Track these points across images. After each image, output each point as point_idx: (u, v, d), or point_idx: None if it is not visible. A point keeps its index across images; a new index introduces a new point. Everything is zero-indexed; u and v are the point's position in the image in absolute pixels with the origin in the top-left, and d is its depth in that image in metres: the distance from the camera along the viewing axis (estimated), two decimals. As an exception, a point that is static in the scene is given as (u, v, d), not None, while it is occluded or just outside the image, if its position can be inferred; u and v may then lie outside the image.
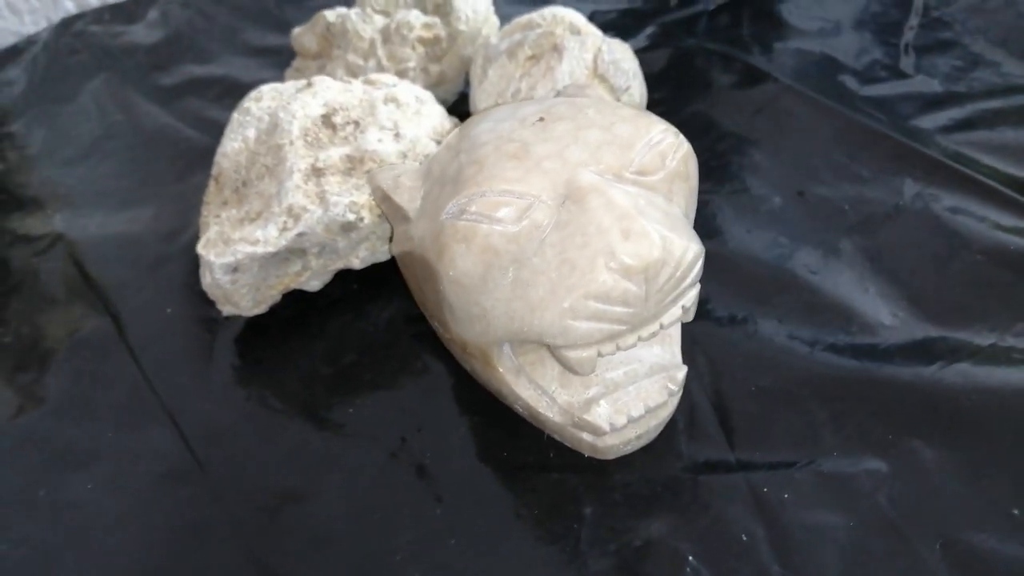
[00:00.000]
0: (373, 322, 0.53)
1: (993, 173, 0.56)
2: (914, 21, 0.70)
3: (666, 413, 0.43)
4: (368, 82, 0.53)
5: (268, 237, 0.47)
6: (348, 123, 0.50)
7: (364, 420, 0.48)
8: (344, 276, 0.54)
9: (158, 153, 0.69)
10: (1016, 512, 0.40)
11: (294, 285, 0.51)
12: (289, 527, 0.44)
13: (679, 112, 0.64)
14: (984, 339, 0.47)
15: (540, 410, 0.43)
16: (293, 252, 0.48)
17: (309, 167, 0.48)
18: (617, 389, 0.42)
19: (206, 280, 0.49)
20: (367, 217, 0.48)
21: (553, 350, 0.38)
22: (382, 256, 0.52)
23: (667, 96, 0.65)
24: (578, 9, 0.62)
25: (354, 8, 0.63)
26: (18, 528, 0.45)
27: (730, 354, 0.48)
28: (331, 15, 0.61)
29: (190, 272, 0.55)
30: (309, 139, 0.48)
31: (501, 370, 0.42)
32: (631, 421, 0.42)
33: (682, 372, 0.43)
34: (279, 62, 0.74)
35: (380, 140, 0.49)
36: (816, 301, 0.50)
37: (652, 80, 0.65)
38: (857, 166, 0.58)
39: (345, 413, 0.48)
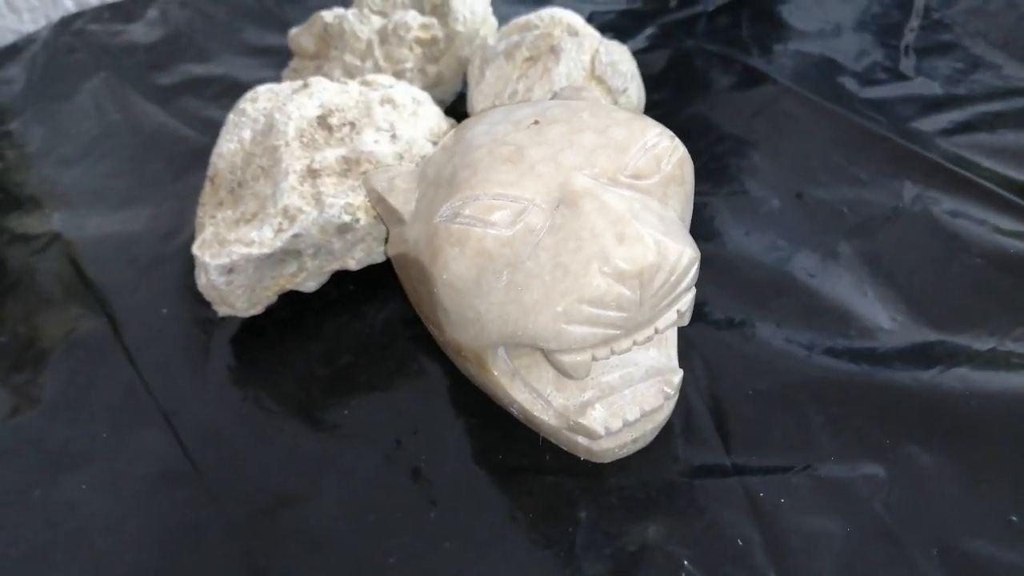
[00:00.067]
0: (369, 323, 0.53)
1: (993, 176, 0.55)
2: (915, 23, 0.69)
3: (662, 417, 0.43)
4: (365, 83, 0.52)
5: (263, 238, 0.47)
6: (344, 124, 0.49)
7: (359, 422, 0.48)
8: (340, 277, 0.53)
9: (156, 153, 0.69)
10: (1015, 519, 0.40)
11: (290, 286, 0.51)
12: (284, 529, 0.43)
13: (678, 113, 0.64)
14: (983, 343, 0.47)
15: (535, 413, 0.42)
16: (289, 253, 0.48)
17: (305, 168, 0.48)
18: (612, 393, 0.42)
19: (201, 281, 0.49)
20: (363, 219, 0.48)
21: (547, 354, 0.38)
22: (378, 258, 0.51)
23: (666, 97, 0.65)
24: (577, 10, 0.62)
25: (351, 9, 0.63)
26: (12, 528, 0.45)
27: (727, 357, 0.48)
28: (328, 16, 0.61)
29: (186, 272, 0.55)
30: (305, 140, 0.48)
31: (496, 373, 0.42)
32: (626, 425, 0.41)
33: (678, 376, 0.43)
34: (278, 62, 0.74)
35: (376, 141, 0.49)
36: (814, 304, 0.50)
37: (651, 81, 0.65)
38: (856, 168, 0.58)
39: (340, 415, 0.48)
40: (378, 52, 0.59)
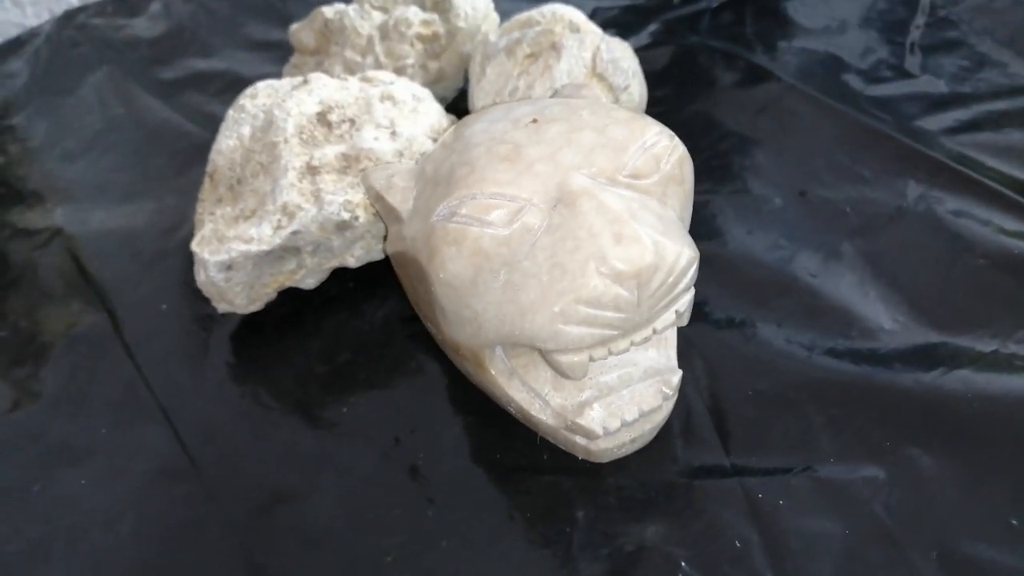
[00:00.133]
0: (368, 321, 0.53)
1: (998, 176, 0.55)
2: (920, 20, 0.69)
3: (661, 417, 0.43)
4: (365, 79, 0.52)
5: (262, 235, 0.47)
6: (344, 121, 0.49)
7: (358, 419, 0.48)
8: (340, 274, 0.53)
9: (159, 147, 0.69)
10: (1015, 522, 0.39)
11: (289, 283, 0.51)
12: (281, 526, 0.43)
13: (681, 111, 0.64)
14: (986, 345, 0.46)
15: (533, 413, 0.42)
16: (287, 250, 0.48)
17: (304, 165, 0.47)
18: (611, 392, 0.42)
19: (200, 278, 0.48)
20: (362, 216, 0.48)
21: (544, 354, 0.38)
22: (377, 255, 0.51)
23: (669, 94, 0.65)
24: (580, 6, 0.62)
25: (352, 4, 0.63)
26: (11, 522, 0.45)
27: (727, 357, 0.48)
28: (329, 11, 0.60)
29: (187, 268, 0.55)
30: (304, 137, 0.48)
31: (493, 372, 0.42)
32: (624, 425, 0.41)
33: (677, 376, 0.42)
34: (281, 57, 0.73)
35: (376, 138, 0.49)
36: (816, 305, 0.50)
37: (654, 78, 0.65)
38: (860, 167, 0.57)
39: (339, 412, 0.48)
40: (379, 48, 0.59)
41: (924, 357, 0.46)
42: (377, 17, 0.60)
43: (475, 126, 0.41)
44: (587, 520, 0.42)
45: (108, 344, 0.53)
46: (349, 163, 0.48)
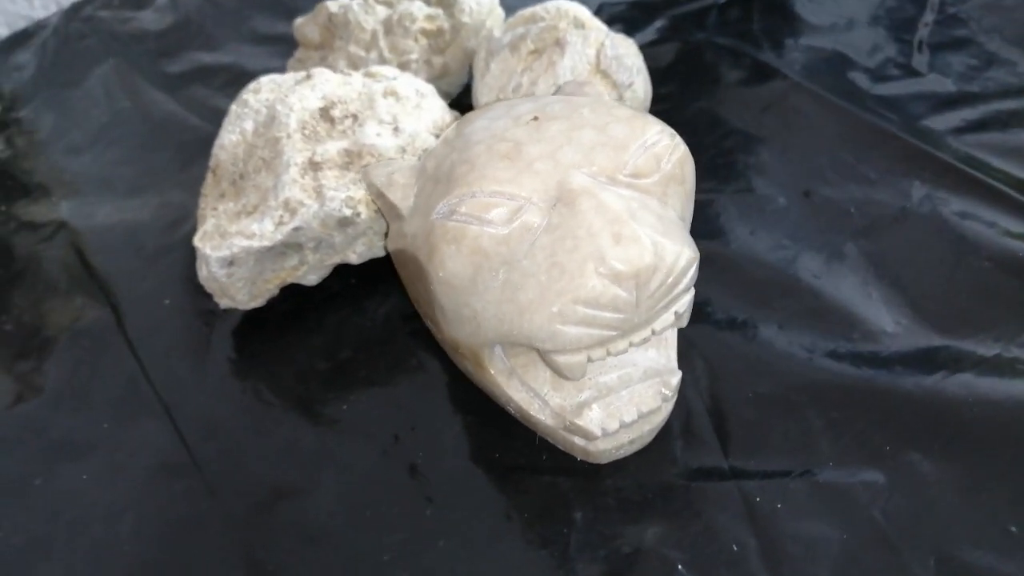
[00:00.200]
0: (370, 318, 0.53)
1: (1004, 177, 0.54)
2: (929, 18, 0.68)
3: (660, 418, 0.43)
4: (368, 75, 0.52)
5: (264, 231, 0.47)
6: (346, 116, 0.49)
7: (358, 416, 0.48)
8: (342, 271, 0.53)
9: (164, 141, 0.69)
10: (1014, 529, 0.39)
11: (291, 279, 0.51)
12: (280, 523, 0.44)
13: (685, 108, 0.63)
14: (989, 349, 0.46)
15: (532, 413, 0.42)
16: (289, 246, 0.48)
17: (306, 161, 0.47)
18: (610, 393, 0.42)
19: (202, 273, 0.49)
20: (364, 212, 0.48)
21: (543, 354, 0.38)
22: (380, 252, 0.51)
23: (674, 91, 0.65)
24: (586, 2, 0.62)
25: (357, -1, 0.63)
26: (12, 516, 0.45)
27: (728, 358, 0.48)
28: (333, 6, 0.60)
29: (190, 263, 0.55)
30: (307, 132, 0.48)
31: (492, 372, 0.42)
32: (623, 426, 0.41)
33: (676, 377, 0.42)
34: (287, 51, 0.73)
35: (379, 134, 0.49)
36: (818, 306, 0.50)
37: (659, 75, 0.64)
38: (865, 167, 0.57)
39: (340, 409, 0.48)
40: (383, 43, 0.59)
41: (926, 360, 0.46)
42: (381, 12, 0.60)
43: (476, 123, 0.41)
44: (585, 521, 0.42)
45: (111, 339, 0.53)
46: (351, 159, 0.48)
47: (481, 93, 0.57)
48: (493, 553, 0.41)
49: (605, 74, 0.53)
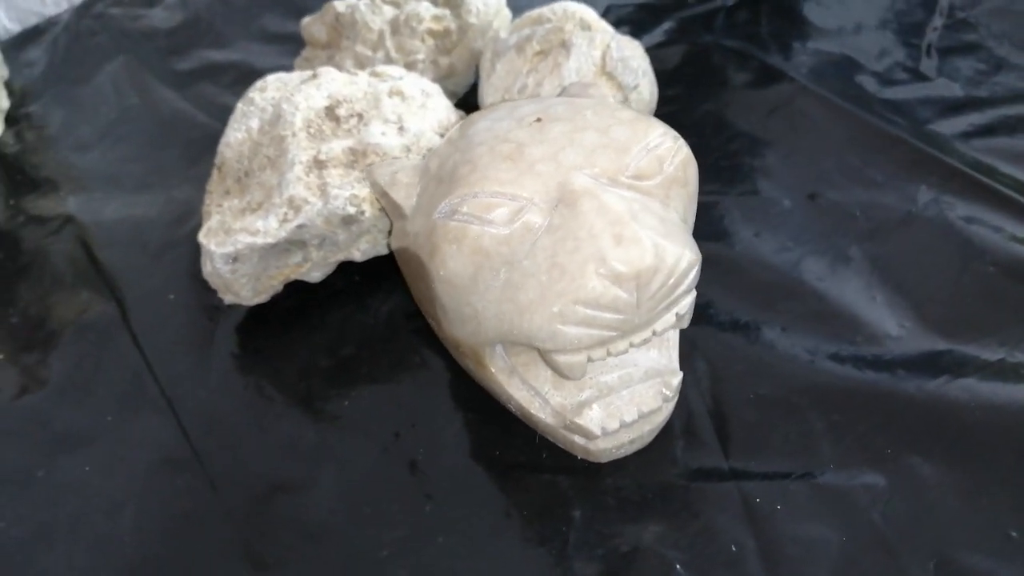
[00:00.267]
0: (373, 315, 0.53)
1: (1011, 182, 0.54)
2: (938, 22, 0.68)
3: (660, 419, 0.43)
4: (374, 74, 0.52)
5: (268, 228, 0.47)
6: (352, 115, 0.49)
7: (360, 413, 0.48)
8: (346, 268, 0.53)
9: (172, 138, 0.69)
10: (1014, 534, 0.39)
11: (295, 276, 0.51)
12: (281, 517, 0.44)
13: (692, 110, 0.63)
14: (992, 354, 0.46)
15: (532, 411, 0.42)
16: (293, 243, 0.48)
17: (311, 159, 0.48)
18: (611, 393, 0.42)
19: (207, 269, 0.49)
20: (368, 210, 0.48)
21: (543, 354, 0.38)
22: (383, 250, 0.51)
23: (681, 93, 0.64)
24: (593, 3, 0.62)
25: (365, -2, 0.63)
26: (15, 507, 0.46)
27: (730, 360, 0.48)
28: (340, 5, 0.61)
29: (195, 259, 0.55)
30: (312, 131, 0.48)
31: (493, 370, 0.42)
32: (623, 426, 0.41)
33: (677, 378, 0.42)
34: (295, 49, 0.73)
35: (384, 133, 0.49)
36: (822, 309, 0.49)
37: (666, 77, 0.64)
38: (871, 171, 0.57)
39: (341, 405, 0.48)
40: (389, 43, 0.59)
41: (929, 364, 0.46)
42: (388, 12, 0.60)
43: (479, 124, 0.41)
44: (584, 520, 0.42)
45: (116, 333, 0.53)
46: (356, 158, 0.48)
47: (487, 93, 0.57)
48: (492, 550, 0.41)
49: (611, 76, 0.53)
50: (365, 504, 0.44)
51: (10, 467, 0.47)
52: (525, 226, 0.36)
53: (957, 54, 0.65)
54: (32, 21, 0.85)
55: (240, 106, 0.51)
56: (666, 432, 0.44)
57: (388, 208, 0.45)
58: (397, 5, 0.61)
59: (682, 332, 0.45)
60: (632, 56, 0.54)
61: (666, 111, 0.61)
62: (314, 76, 0.51)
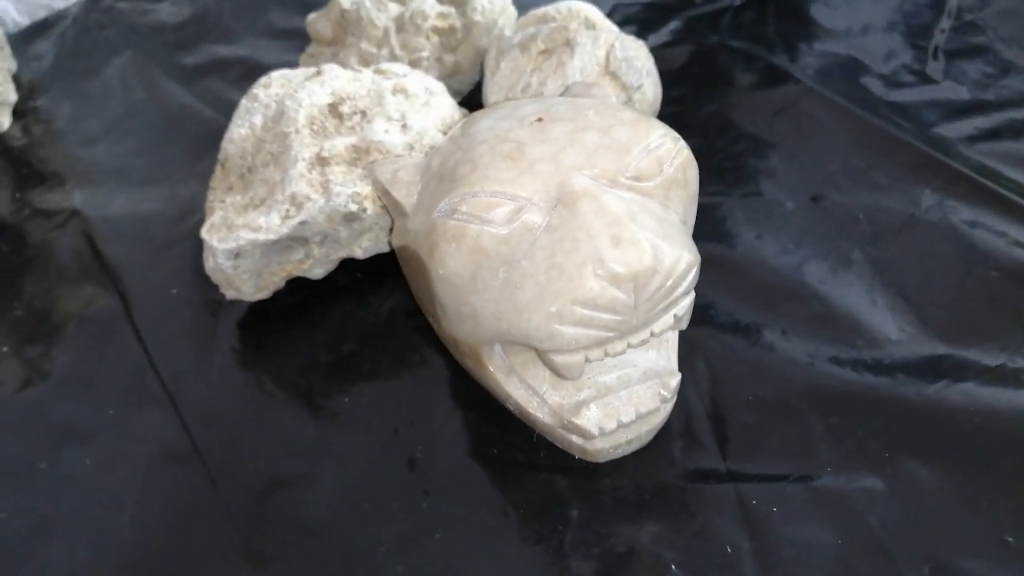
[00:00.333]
0: (374, 312, 0.53)
1: (1016, 186, 0.54)
2: (946, 24, 0.67)
3: (658, 419, 0.43)
4: (378, 72, 0.52)
5: (270, 224, 0.47)
6: (355, 113, 0.49)
7: (359, 410, 0.48)
8: (348, 265, 0.54)
9: (178, 133, 0.70)
10: (1011, 539, 0.39)
11: (297, 272, 0.51)
12: (279, 513, 0.44)
13: (696, 111, 0.63)
14: (993, 359, 0.46)
15: (530, 411, 0.42)
16: (295, 240, 0.49)
17: (314, 156, 0.48)
18: (609, 393, 0.42)
19: (209, 264, 0.49)
20: (370, 208, 0.48)
21: (541, 354, 0.38)
22: (385, 247, 0.52)
23: (686, 94, 0.64)
24: (599, 3, 0.62)
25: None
26: (17, 498, 0.46)
27: (730, 362, 0.48)
28: (346, 2, 0.61)
29: (199, 254, 0.56)
30: (315, 128, 0.48)
31: (492, 369, 0.42)
32: (621, 426, 0.41)
33: (676, 379, 0.42)
34: (303, 45, 0.73)
35: (387, 131, 0.49)
36: (823, 312, 0.49)
37: (672, 77, 0.64)
38: (875, 173, 0.57)
39: (341, 402, 0.49)
40: (394, 40, 0.59)
41: (929, 369, 0.46)
42: (393, 9, 0.60)
43: (481, 123, 0.41)
44: (581, 519, 0.42)
45: (118, 327, 0.54)
46: (359, 155, 0.49)
47: (491, 92, 0.57)
48: (488, 548, 0.42)
49: (614, 76, 0.53)
50: (364, 500, 0.44)
51: (13, 459, 0.48)
52: (524, 226, 0.36)
53: (964, 57, 0.65)
54: (41, 14, 0.85)
55: (244, 102, 0.51)
56: (664, 433, 0.45)
57: (389, 206, 0.45)
58: (402, 2, 0.61)
59: (682, 333, 0.45)
60: (636, 56, 0.54)
61: (671, 111, 0.61)
62: (318, 73, 0.51)
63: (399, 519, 0.43)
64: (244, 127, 0.50)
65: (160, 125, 0.71)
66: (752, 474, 0.43)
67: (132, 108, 0.73)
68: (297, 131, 0.48)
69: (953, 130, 0.59)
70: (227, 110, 0.68)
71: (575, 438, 0.42)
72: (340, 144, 0.48)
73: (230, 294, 0.51)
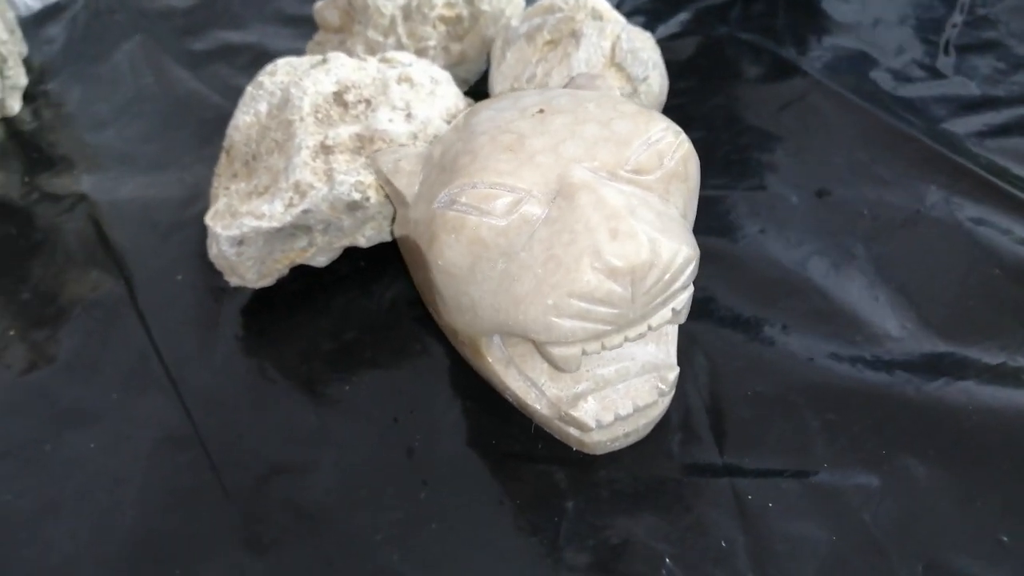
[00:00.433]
0: (377, 301, 0.53)
1: (1023, 184, 0.54)
2: (958, 18, 0.67)
3: (656, 413, 0.43)
4: (384, 60, 0.52)
5: (274, 212, 0.47)
6: (360, 101, 0.49)
7: (360, 397, 0.48)
8: (351, 253, 0.54)
9: (185, 119, 0.70)
10: (1006, 539, 0.39)
11: (300, 260, 0.51)
12: (278, 498, 0.44)
13: (703, 103, 0.63)
14: (993, 357, 0.46)
15: (528, 402, 0.43)
16: (298, 228, 0.49)
17: (318, 144, 0.48)
18: (607, 386, 0.42)
19: (213, 251, 0.49)
20: (373, 197, 0.48)
21: (538, 346, 0.38)
22: (388, 236, 0.52)
23: (693, 86, 0.64)
24: (610, -9, 0.61)
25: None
26: (22, 480, 0.47)
27: (730, 356, 0.48)
28: (353, -10, 0.61)
29: (203, 241, 0.56)
30: (320, 116, 0.49)
31: (490, 360, 0.42)
32: (618, 419, 0.41)
33: (674, 373, 0.42)
34: (311, 32, 0.74)
35: (391, 120, 0.49)
36: (824, 307, 0.49)
37: (679, 69, 0.64)
38: (881, 169, 0.56)
39: (342, 390, 0.49)
40: (401, 29, 0.59)
41: (928, 367, 0.46)
42: (400, -2, 0.60)
43: (482, 114, 0.41)
44: (576, 511, 0.42)
45: (123, 311, 0.54)
46: (363, 144, 0.49)
47: (496, 82, 0.57)
48: (484, 537, 0.42)
49: (620, 67, 0.53)
50: (361, 487, 0.44)
51: (18, 440, 0.48)
52: (523, 218, 0.36)
53: (975, 52, 0.64)
54: (52, -2, 0.86)
55: (249, 89, 0.51)
56: (662, 426, 0.45)
57: (391, 195, 0.45)
58: (409, -9, 0.61)
59: (682, 327, 0.45)
60: (642, 48, 0.54)
61: (676, 103, 0.61)
62: (323, 61, 0.51)
63: (396, 507, 0.43)
64: (249, 114, 0.50)
65: (168, 110, 0.71)
66: (748, 469, 0.43)
67: (141, 93, 0.74)
68: (302, 119, 0.48)
69: (962, 126, 0.59)
70: (235, 96, 0.68)
71: (572, 430, 0.42)
72: (344, 133, 0.48)
73: (234, 281, 0.51)
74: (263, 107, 0.50)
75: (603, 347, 0.38)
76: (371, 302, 0.53)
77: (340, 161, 0.48)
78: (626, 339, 0.38)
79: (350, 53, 0.56)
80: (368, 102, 0.50)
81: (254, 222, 0.47)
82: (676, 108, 0.60)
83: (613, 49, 0.53)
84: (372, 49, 0.60)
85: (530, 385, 0.42)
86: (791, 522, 0.41)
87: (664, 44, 0.60)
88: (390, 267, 0.54)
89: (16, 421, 0.49)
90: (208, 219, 0.49)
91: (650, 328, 0.38)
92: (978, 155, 0.56)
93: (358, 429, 0.47)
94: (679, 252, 0.35)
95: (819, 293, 0.50)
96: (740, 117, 0.62)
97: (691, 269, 0.37)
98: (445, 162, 0.40)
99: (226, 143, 0.51)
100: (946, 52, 0.65)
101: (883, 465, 0.42)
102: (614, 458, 0.44)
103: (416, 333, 0.51)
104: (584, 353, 0.38)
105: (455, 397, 0.48)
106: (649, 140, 0.38)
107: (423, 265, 0.40)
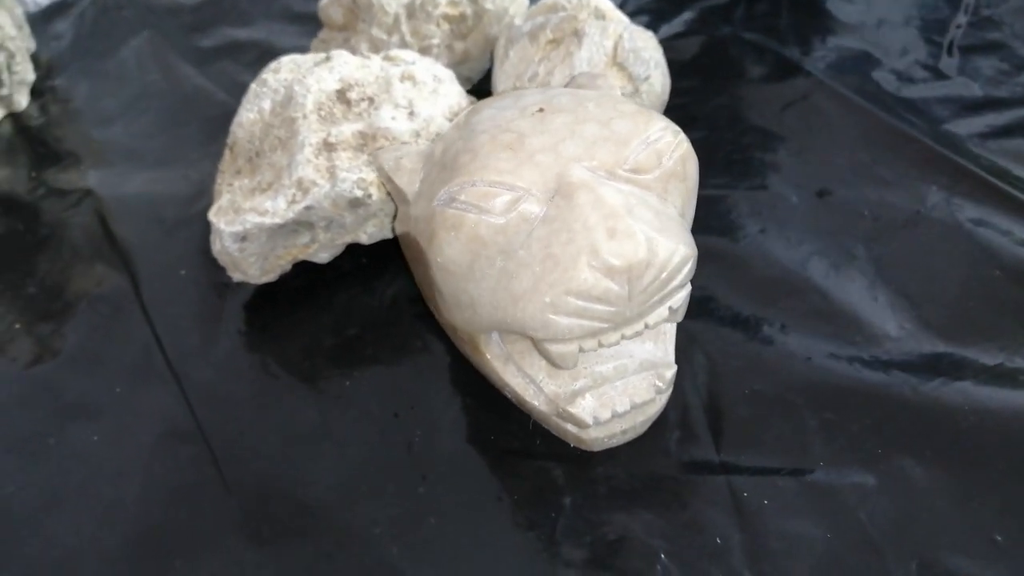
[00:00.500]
0: (379, 298, 0.53)
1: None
2: (962, 19, 0.67)
3: (654, 410, 0.43)
4: (387, 58, 0.53)
5: (277, 208, 0.48)
6: (363, 99, 0.50)
7: (360, 393, 0.49)
8: (354, 250, 0.54)
9: (191, 115, 0.70)
10: (1000, 539, 0.39)
11: (303, 256, 0.52)
12: (278, 492, 0.45)
13: (705, 103, 0.63)
14: (991, 358, 0.46)
15: (526, 398, 0.43)
16: (301, 224, 0.49)
17: (321, 141, 0.48)
18: (605, 383, 0.42)
19: (216, 247, 0.50)
20: (375, 194, 0.48)
21: (536, 343, 0.38)
22: (390, 233, 0.52)
23: (695, 86, 0.64)
24: (614, -9, 0.62)
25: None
26: (26, 472, 0.47)
27: (728, 355, 0.48)
28: (357, -12, 0.61)
29: (207, 236, 0.56)
30: (323, 113, 0.49)
31: (489, 356, 0.42)
32: (615, 416, 0.42)
33: (671, 371, 0.43)
34: (315, 29, 0.74)
35: (394, 118, 0.49)
36: (823, 307, 0.50)
37: (681, 68, 0.64)
38: (882, 169, 0.56)
39: (343, 385, 0.49)
40: (405, 27, 0.60)
41: (926, 367, 0.46)
42: (404, -4, 0.61)
43: (483, 112, 0.42)
44: (573, 507, 0.43)
45: (128, 306, 0.55)
46: (366, 141, 0.49)
47: (499, 80, 0.57)
48: (481, 533, 0.42)
49: (622, 67, 0.53)
50: (362, 483, 0.45)
51: (22, 433, 0.49)
52: (521, 216, 0.37)
53: (979, 53, 0.64)
54: (61, -6, 0.86)
55: (253, 87, 0.52)
56: (660, 423, 0.45)
57: (392, 193, 0.46)
58: (413, -10, 0.61)
59: (681, 325, 0.45)
60: (644, 47, 0.54)
61: (679, 103, 0.61)
62: (327, 59, 0.51)
63: (395, 502, 0.44)
64: (253, 111, 0.51)
65: (175, 106, 0.72)
66: (745, 467, 0.43)
67: (147, 89, 0.74)
68: (305, 116, 0.48)
69: (964, 127, 0.59)
70: (241, 93, 0.68)
71: (570, 426, 0.43)
72: (347, 130, 0.49)
73: (237, 276, 0.52)
74: (267, 104, 0.51)
75: (600, 344, 0.38)
76: (373, 299, 0.54)
77: (343, 158, 0.48)
78: (623, 337, 0.38)
79: (354, 51, 0.56)
80: (371, 100, 0.50)
81: (257, 218, 0.48)
82: (679, 107, 0.60)
83: (615, 48, 0.53)
84: (376, 47, 0.60)
85: (528, 382, 0.43)
86: (787, 520, 0.41)
87: (668, 43, 0.60)
88: (392, 264, 0.54)
89: (21, 414, 0.50)
90: (211, 215, 0.49)
91: (647, 326, 0.38)
92: (980, 156, 0.56)
93: (359, 424, 0.47)
94: (676, 251, 0.36)
95: (819, 293, 0.50)
96: (743, 117, 0.62)
97: (688, 268, 0.37)
98: (446, 160, 0.40)
99: (230, 140, 0.51)
100: (950, 53, 0.65)
101: (880, 464, 0.42)
102: (611, 455, 0.44)
103: (417, 330, 0.51)
104: (581, 350, 0.38)
105: (455, 393, 0.48)
106: (648, 139, 0.38)
107: (423, 262, 0.41)
